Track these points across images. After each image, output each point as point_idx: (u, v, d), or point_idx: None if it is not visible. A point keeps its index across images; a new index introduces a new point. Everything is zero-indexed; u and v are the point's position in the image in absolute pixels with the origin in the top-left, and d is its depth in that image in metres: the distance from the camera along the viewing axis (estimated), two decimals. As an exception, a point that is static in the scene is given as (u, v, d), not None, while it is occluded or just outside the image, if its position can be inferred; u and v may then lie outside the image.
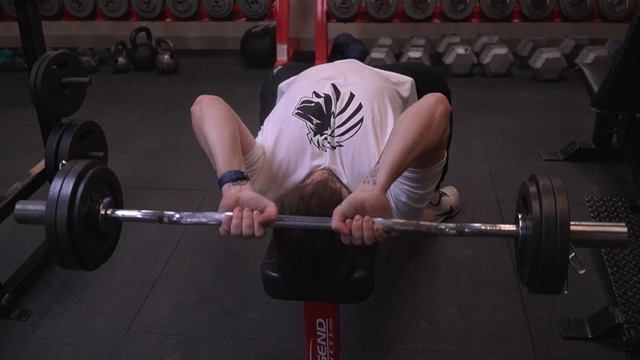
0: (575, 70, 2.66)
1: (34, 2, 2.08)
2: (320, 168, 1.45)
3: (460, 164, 2.64)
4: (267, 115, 1.60)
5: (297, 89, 1.62)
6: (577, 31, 4.21)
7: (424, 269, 2.07)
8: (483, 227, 1.14)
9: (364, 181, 1.22)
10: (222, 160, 1.27)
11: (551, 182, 1.09)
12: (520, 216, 1.13)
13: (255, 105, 1.98)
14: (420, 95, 1.65)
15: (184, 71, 4.37)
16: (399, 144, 1.24)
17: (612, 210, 2.21)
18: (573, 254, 1.04)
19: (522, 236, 1.11)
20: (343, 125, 1.48)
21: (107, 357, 1.74)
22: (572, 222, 1.04)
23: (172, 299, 1.97)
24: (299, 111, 1.51)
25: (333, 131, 1.47)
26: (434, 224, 1.16)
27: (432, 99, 1.33)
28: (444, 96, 1.35)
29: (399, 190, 1.40)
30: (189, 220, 1.21)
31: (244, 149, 1.35)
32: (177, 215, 1.21)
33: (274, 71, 1.97)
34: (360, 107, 1.51)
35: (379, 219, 1.16)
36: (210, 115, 1.36)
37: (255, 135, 1.51)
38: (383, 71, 1.80)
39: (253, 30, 4.38)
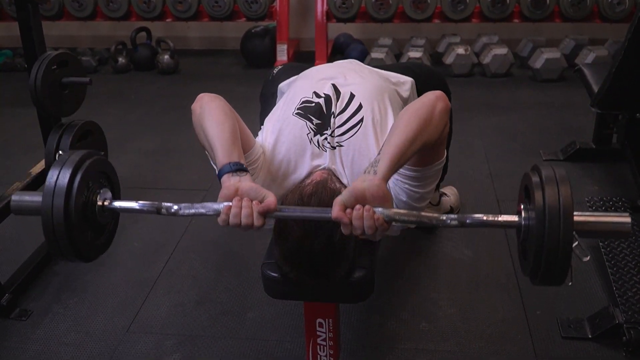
0: (575, 70, 2.67)
1: (34, 2, 2.08)
2: (320, 168, 1.45)
3: (460, 164, 2.64)
4: (267, 115, 1.60)
5: (297, 89, 1.62)
6: (577, 31, 4.21)
7: (424, 269, 2.07)
8: (485, 218, 1.13)
9: (365, 172, 1.21)
10: (222, 152, 1.26)
11: (554, 172, 1.07)
12: (522, 207, 1.12)
13: (255, 105, 1.98)
14: (420, 96, 1.65)
15: (184, 71, 4.37)
16: (400, 136, 1.24)
17: (612, 210, 2.21)
18: (576, 242, 1.02)
19: (525, 227, 1.10)
20: (343, 126, 1.48)
21: (107, 357, 1.74)
22: (575, 213, 1.03)
23: (172, 299, 1.97)
24: (299, 111, 1.51)
25: (333, 131, 1.47)
26: (436, 214, 1.15)
27: (432, 96, 1.33)
28: (443, 93, 1.35)
29: (399, 189, 1.40)
30: (187, 211, 1.19)
31: (244, 147, 1.35)
32: (176, 207, 1.20)
33: (274, 71, 1.97)
34: (360, 107, 1.51)
35: (380, 209, 1.14)
36: (211, 112, 1.36)
37: (255, 134, 1.51)
38: (383, 71, 1.80)
39: (253, 30, 4.38)
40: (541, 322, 1.80)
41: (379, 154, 1.24)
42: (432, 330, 1.79)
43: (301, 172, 1.45)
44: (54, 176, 1.13)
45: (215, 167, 1.31)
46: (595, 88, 2.33)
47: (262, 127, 1.56)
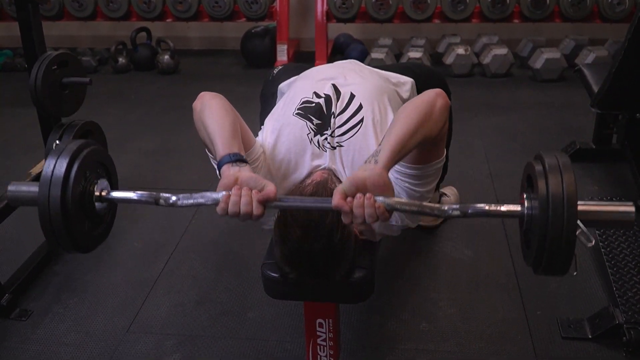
0: (575, 70, 2.66)
1: (35, 2, 2.08)
2: (320, 168, 1.45)
3: (460, 164, 2.64)
4: (267, 115, 1.60)
5: (298, 90, 1.62)
6: (577, 31, 4.21)
7: (424, 269, 2.07)
8: (487, 208, 1.11)
9: (366, 162, 1.20)
10: (222, 144, 1.25)
11: (558, 160, 1.05)
12: (525, 196, 1.10)
13: (255, 105, 1.98)
14: (420, 95, 1.65)
15: (184, 71, 4.37)
16: (401, 127, 1.23)
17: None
18: (580, 230, 1.01)
19: (527, 216, 1.08)
20: (343, 126, 1.48)
21: (107, 357, 1.74)
22: (579, 202, 1.01)
23: (172, 299, 1.97)
24: (299, 111, 1.51)
25: (333, 131, 1.47)
26: (437, 205, 1.13)
27: (432, 93, 1.34)
28: (443, 91, 1.35)
29: (399, 188, 1.40)
30: (186, 202, 1.16)
31: (244, 146, 1.35)
32: (174, 198, 1.17)
33: (274, 71, 1.97)
34: (360, 107, 1.51)
35: (381, 198, 1.12)
36: (212, 108, 1.36)
37: (255, 134, 1.51)
38: (383, 72, 1.80)
39: (253, 31, 4.38)
40: (541, 322, 1.80)
41: (380, 144, 1.23)
42: (432, 331, 1.79)
43: (301, 172, 1.46)
44: (50, 165, 1.11)
45: (215, 165, 1.31)
46: (595, 88, 2.33)
47: (262, 127, 1.56)
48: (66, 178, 1.10)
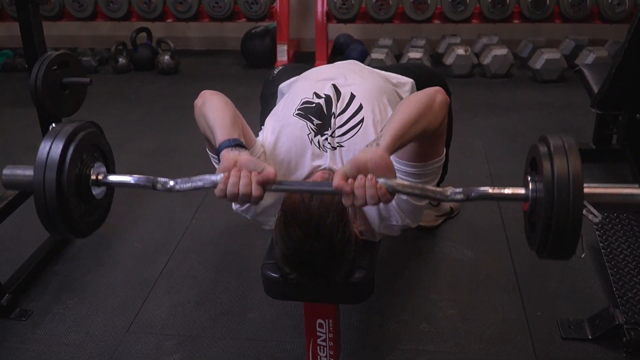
0: (575, 71, 2.67)
1: (35, 2, 2.08)
2: (320, 168, 1.46)
3: (460, 164, 2.64)
4: (267, 115, 1.60)
5: (298, 90, 1.63)
6: (577, 32, 4.21)
7: (424, 270, 2.07)
8: (490, 191, 1.09)
9: (367, 146, 1.18)
10: (221, 132, 1.24)
11: (563, 142, 1.03)
12: (529, 178, 1.08)
13: (255, 105, 1.98)
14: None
15: (184, 71, 4.38)
16: (402, 116, 1.23)
17: (612, 212, 2.20)
18: (585, 208, 0.99)
19: (532, 199, 1.06)
20: (344, 126, 1.48)
21: (107, 358, 1.74)
22: (585, 185, 0.99)
23: (172, 299, 1.97)
24: (299, 112, 1.51)
25: (333, 132, 1.47)
26: (440, 189, 1.11)
27: (432, 89, 1.34)
28: (442, 89, 1.35)
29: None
30: (184, 186, 1.14)
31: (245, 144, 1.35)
32: (172, 182, 1.15)
33: (275, 72, 1.97)
34: (360, 107, 1.51)
35: (382, 179, 1.10)
36: (212, 102, 1.37)
37: (255, 135, 1.51)
38: (383, 72, 1.81)
39: (253, 31, 4.39)
40: (541, 323, 1.80)
41: (381, 130, 1.23)
42: (432, 331, 1.79)
43: (302, 172, 1.46)
44: (46, 147, 1.08)
45: (215, 165, 1.31)
46: (595, 88, 2.33)
47: (262, 127, 1.57)
48: (62, 161, 1.07)
